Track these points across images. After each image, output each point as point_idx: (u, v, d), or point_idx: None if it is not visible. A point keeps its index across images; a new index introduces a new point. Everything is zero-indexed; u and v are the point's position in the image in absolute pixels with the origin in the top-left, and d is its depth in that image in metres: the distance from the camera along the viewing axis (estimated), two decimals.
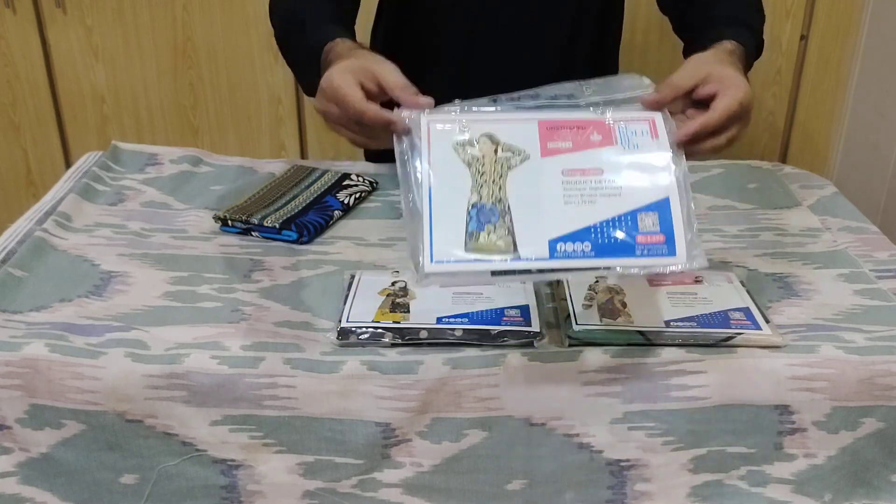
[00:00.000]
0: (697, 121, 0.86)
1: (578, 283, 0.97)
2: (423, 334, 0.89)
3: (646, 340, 0.89)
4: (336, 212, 1.19)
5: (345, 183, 1.26)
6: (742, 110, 0.88)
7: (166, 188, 1.27)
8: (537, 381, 0.86)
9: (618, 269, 0.78)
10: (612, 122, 0.85)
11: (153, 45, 2.14)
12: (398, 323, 0.91)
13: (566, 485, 0.89)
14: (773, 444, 0.89)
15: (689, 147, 0.86)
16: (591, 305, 0.93)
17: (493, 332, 0.89)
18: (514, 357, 0.87)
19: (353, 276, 1.00)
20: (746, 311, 0.93)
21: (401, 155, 0.85)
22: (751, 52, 1.05)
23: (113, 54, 2.14)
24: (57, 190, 1.25)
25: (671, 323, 0.90)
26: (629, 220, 0.80)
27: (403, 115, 0.87)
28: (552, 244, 0.79)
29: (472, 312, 0.92)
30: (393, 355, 0.88)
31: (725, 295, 0.96)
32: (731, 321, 0.91)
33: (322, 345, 0.89)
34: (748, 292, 0.97)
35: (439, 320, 0.91)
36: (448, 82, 1.16)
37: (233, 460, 0.88)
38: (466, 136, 0.84)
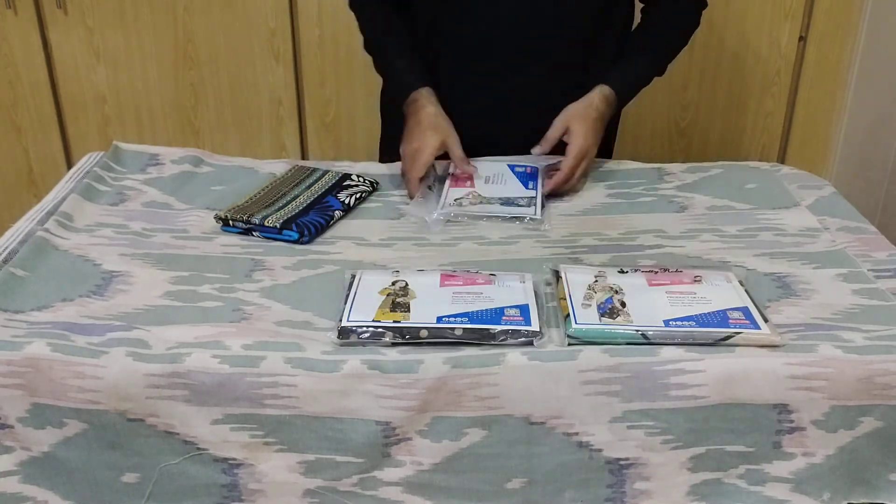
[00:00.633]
0: (553, 179, 1.27)
1: (578, 283, 0.97)
2: (424, 333, 0.89)
3: (645, 340, 0.89)
4: (337, 212, 1.19)
5: (345, 183, 1.27)
6: (582, 156, 1.28)
7: (167, 188, 1.27)
8: (537, 380, 0.86)
9: None
10: None
11: (154, 45, 2.14)
12: (398, 322, 0.91)
13: (566, 483, 0.90)
14: (772, 442, 0.89)
15: (556, 190, 1.26)
16: (590, 305, 0.94)
17: (492, 332, 0.89)
18: (514, 356, 0.87)
19: (353, 276, 1.01)
20: (745, 310, 0.93)
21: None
22: (628, 90, 1.37)
23: (114, 55, 2.15)
24: (58, 190, 1.25)
25: (670, 322, 0.91)
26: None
27: (417, 197, 1.22)
28: None
29: (472, 312, 0.92)
30: (393, 354, 0.88)
31: (724, 294, 0.96)
32: (730, 320, 0.91)
33: (323, 344, 0.90)
34: (747, 292, 0.97)
35: (439, 319, 0.91)
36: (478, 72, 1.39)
37: (234, 459, 0.88)
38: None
